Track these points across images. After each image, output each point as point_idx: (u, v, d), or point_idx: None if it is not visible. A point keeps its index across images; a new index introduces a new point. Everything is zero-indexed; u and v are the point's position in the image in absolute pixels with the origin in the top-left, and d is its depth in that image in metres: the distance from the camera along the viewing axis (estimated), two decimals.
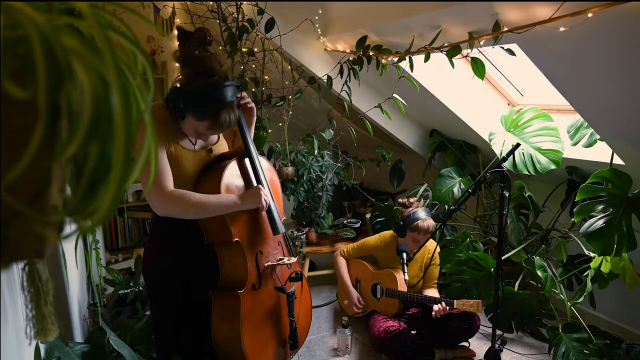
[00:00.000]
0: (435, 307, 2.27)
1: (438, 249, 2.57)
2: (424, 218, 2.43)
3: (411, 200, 2.57)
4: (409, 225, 2.44)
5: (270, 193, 1.68)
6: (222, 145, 1.67)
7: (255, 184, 1.68)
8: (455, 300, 2.23)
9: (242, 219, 1.62)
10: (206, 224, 1.54)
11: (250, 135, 1.68)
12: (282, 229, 1.68)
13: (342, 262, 2.72)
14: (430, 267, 2.53)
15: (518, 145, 2.04)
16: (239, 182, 1.62)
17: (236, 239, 1.54)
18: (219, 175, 1.52)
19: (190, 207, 1.42)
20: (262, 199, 1.53)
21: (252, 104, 1.68)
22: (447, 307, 2.25)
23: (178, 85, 1.40)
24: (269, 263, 1.69)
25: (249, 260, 1.59)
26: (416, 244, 2.44)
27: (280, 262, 1.71)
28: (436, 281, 2.58)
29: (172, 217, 1.45)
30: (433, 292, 2.50)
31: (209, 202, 1.44)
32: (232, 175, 1.58)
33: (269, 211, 1.65)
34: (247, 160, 1.66)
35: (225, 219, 1.51)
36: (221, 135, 1.69)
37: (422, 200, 2.63)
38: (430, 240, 2.60)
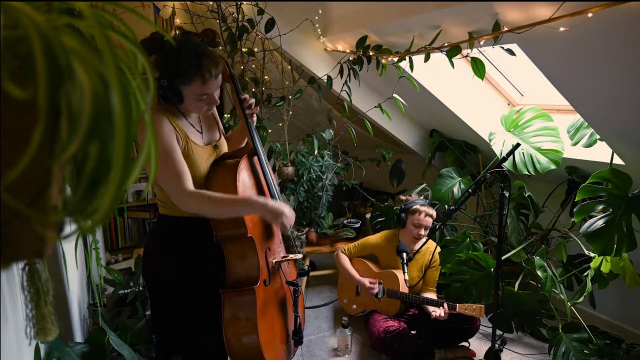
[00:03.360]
0: (436, 311, 2.28)
1: (438, 249, 2.57)
2: (422, 203, 2.52)
3: (411, 196, 2.64)
4: (408, 209, 2.51)
5: (277, 193, 1.71)
6: (224, 143, 1.67)
7: (263, 183, 1.69)
8: (457, 304, 2.24)
9: (255, 215, 1.62)
10: (219, 219, 1.52)
11: (257, 135, 1.69)
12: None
13: (344, 258, 2.71)
14: (429, 270, 2.54)
15: (518, 145, 2.04)
16: (251, 180, 1.63)
17: (250, 234, 1.54)
18: (233, 172, 1.51)
19: (208, 211, 1.42)
20: (283, 219, 1.44)
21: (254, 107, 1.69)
22: (448, 310, 2.26)
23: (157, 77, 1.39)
24: (276, 259, 1.71)
25: (260, 256, 1.59)
26: (417, 230, 2.46)
27: (288, 258, 1.73)
28: (435, 285, 2.58)
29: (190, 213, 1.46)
30: (432, 296, 2.51)
31: (226, 208, 1.42)
32: (244, 173, 1.58)
33: None
34: (255, 159, 1.68)
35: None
36: (222, 135, 1.69)
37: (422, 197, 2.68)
38: (430, 241, 2.61)
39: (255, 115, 1.68)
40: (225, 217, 1.47)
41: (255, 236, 1.57)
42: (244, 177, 1.57)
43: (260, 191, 1.69)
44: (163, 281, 1.58)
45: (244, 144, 1.80)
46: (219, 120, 1.70)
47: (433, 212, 2.51)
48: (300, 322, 1.73)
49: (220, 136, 1.66)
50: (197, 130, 1.55)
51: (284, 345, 1.76)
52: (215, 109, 1.60)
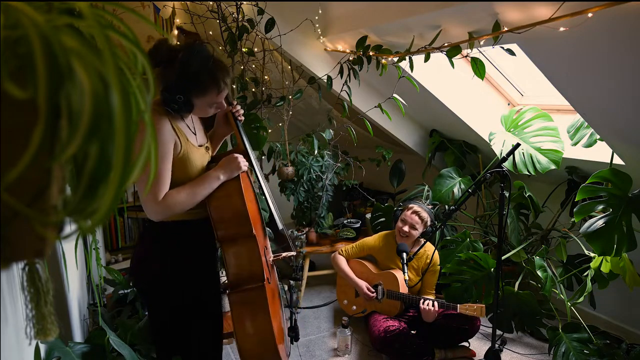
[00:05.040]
0: (424, 305, 2.28)
1: (437, 254, 2.57)
2: (417, 203, 2.57)
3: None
4: (402, 208, 2.57)
5: (269, 192, 1.71)
6: (212, 145, 1.68)
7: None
8: (458, 305, 2.24)
9: (254, 213, 1.62)
10: (223, 219, 1.51)
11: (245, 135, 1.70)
12: (281, 224, 1.72)
13: (342, 260, 2.71)
14: (428, 273, 2.54)
15: (518, 145, 2.04)
16: (245, 182, 1.64)
17: (254, 232, 1.54)
18: (237, 179, 1.52)
19: (185, 205, 1.42)
20: (242, 164, 1.51)
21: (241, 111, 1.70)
22: (438, 309, 2.28)
23: (164, 88, 1.37)
24: (271, 258, 1.72)
25: (261, 254, 1.59)
26: (402, 225, 2.49)
27: (284, 255, 1.74)
28: (434, 289, 2.58)
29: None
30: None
31: (196, 193, 1.44)
32: (242, 174, 1.59)
33: (271, 210, 1.69)
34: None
35: (247, 212, 1.50)
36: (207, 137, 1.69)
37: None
38: (429, 244, 2.60)
39: (242, 115, 1.69)
40: (201, 199, 1.46)
41: (257, 234, 1.58)
42: (244, 182, 1.57)
43: (253, 192, 1.70)
44: (162, 286, 1.57)
45: (221, 143, 1.80)
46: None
47: (422, 213, 2.50)
48: (296, 317, 1.75)
49: (208, 139, 1.67)
50: (192, 131, 1.55)
51: (285, 342, 1.77)
52: None
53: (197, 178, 1.47)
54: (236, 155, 1.52)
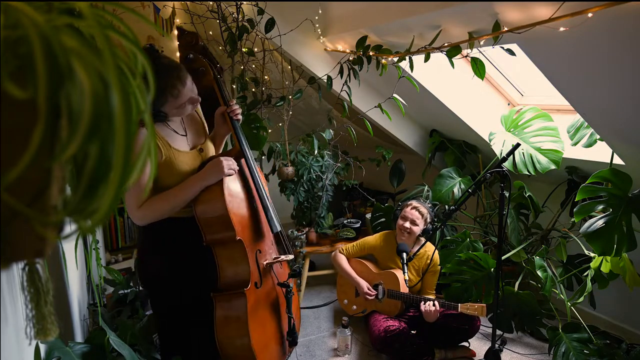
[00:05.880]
0: (425, 307, 2.28)
1: (437, 254, 2.57)
2: (416, 200, 2.61)
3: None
4: (402, 206, 2.60)
5: (266, 194, 1.70)
6: (209, 147, 1.67)
7: (251, 185, 1.69)
8: (459, 304, 2.24)
9: (243, 217, 1.62)
10: (207, 223, 1.51)
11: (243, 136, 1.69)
12: (279, 227, 1.71)
13: (342, 258, 2.71)
14: (428, 273, 2.54)
15: (518, 145, 2.04)
16: (239, 185, 1.63)
17: (239, 237, 1.53)
18: (220, 184, 1.51)
19: (165, 211, 1.42)
20: (225, 169, 1.47)
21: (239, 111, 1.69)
22: (440, 309, 2.27)
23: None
24: (267, 261, 1.71)
25: (250, 258, 1.59)
26: (403, 222, 2.50)
27: (278, 259, 1.73)
28: (434, 289, 2.58)
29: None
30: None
31: (177, 198, 1.44)
32: (230, 180, 1.58)
33: (266, 210, 1.68)
34: (242, 162, 1.68)
35: (229, 217, 1.50)
36: (207, 138, 1.69)
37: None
38: (429, 244, 2.60)
39: (240, 114, 1.68)
40: (184, 204, 1.47)
41: (245, 238, 1.57)
42: (230, 186, 1.56)
43: (248, 194, 1.69)
44: (161, 286, 1.57)
45: (224, 142, 1.79)
46: (205, 122, 1.69)
47: (421, 208, 2.52)
48: (294, 322, 1.73)
49: (205, 139, 1.65)
50: (181, 134, 1.53)
51: (278, 346, 1.76)
52: (200, 108, 1.59)
53: (180, 184, 1.46)
54: (221, 159, 1.49)
